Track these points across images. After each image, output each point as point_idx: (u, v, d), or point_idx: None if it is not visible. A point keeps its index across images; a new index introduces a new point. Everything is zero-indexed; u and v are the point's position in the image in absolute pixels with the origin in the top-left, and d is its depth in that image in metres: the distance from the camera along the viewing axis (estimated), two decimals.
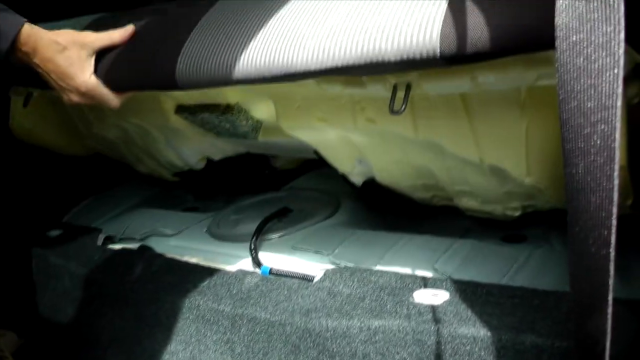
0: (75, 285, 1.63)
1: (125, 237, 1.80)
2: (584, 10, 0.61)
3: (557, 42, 0.64)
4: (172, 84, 1.28)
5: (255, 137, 1.57)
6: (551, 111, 1.09)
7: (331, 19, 1.11)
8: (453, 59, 0.97)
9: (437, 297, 1.19)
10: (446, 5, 0.99)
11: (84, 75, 1.35)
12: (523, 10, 0.91)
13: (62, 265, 1.68)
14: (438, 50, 0.97)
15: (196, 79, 1.24)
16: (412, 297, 1.21)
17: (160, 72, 1.29)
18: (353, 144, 1.44)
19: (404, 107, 1.13)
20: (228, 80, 1.20)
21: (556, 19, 0.64)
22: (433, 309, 1.15)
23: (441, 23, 0.97)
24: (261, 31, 1.18)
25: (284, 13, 1.19)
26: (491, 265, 1.30)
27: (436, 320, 1.12)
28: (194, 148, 1.81)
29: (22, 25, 1.27)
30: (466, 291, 1.19)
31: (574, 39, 0.62)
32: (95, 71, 1.38)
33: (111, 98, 1.39)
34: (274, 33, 1.16)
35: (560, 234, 1.38)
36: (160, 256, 1.58)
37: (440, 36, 0.97)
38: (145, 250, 1.62)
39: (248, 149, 1.80)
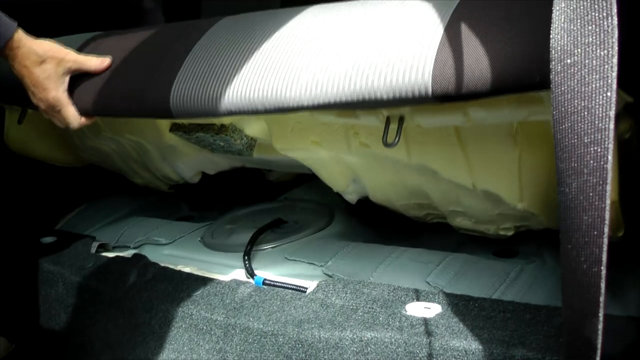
0: (68, 292, 1.63)
1: (118, 245, 1.80)
2: (579, 34, 0.63)
3: (552, 64, 0.65)
4: (167, 114, 1.29)
5: (249, 154, 1.58)
6: (543, 141, 1.11)
7: (325, 52, 1.12)
8: (445, 98, 0.98)
9: (429, 310, 1.20)
10: (438, 41, 1.00)
11: (57, 90, 1.39)
12: (515, 49, 0.93)
13: (56, 272, 1.68)
14: (430, 90, 0.98)
15: (190, 109, 1.25)
16: (405, 310, 1.22)
17: (154, 102, 1.31)
18: (347, 165, 1.45)
19: (397, 139, 1.14)
20: (222, 112, 1.22)
21: (551, 42, 0.65)
22: (425, 321, 1.16)
23: (433, 61, 0.99)
24: (254, 62, 1.19)
25: (278, 42, 1.20)
26: (483, 280, 1.31)
27: (428, 333, 1.13)
28: (189, 163, 1.81)
29: (15, 30, 1.30)
30: (458, 305, 1.20)
31: (569, 61, 0.63)
32: (76, 92, 1.41)
33: (73, 120, 1.43)
34: (267, 65, 1.17)
35: (552, 250, 1.39)
36: (154, 265, 1.59)
37: (432, 75, 0.98)
38: (139, 258, 1.62)
39: (243, 163, 1.81)
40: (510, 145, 1.19)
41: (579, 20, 0.63)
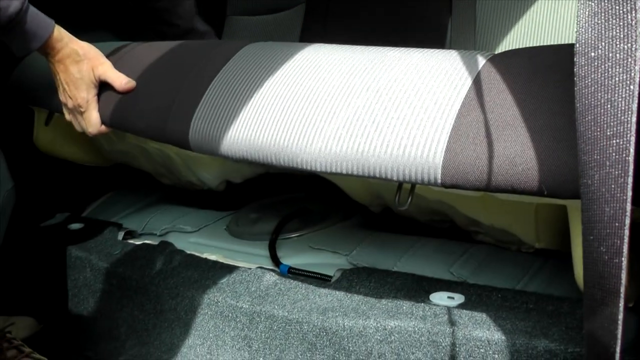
0: (96, 278, 1.65)
1: (145, 232, 1.82)
2: (603, 28, 0.63)
3: (577, 57, 0.66)
4: (187, 147, 1.32)
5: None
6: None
7: (339, 116, 1.12)
8: (454, 187, 0.99)
9: (452, 299, 1.21)
10: (451, 127, 1.00)
11: (88, 92, 1.42)
12: (528, 151, 0.93)
13: (84, 258, 1.70)
14: (439, 179, 0.99)
15: (207, 149, 1.27)
16: (428, 299, 1.23)
17: (174, 133, 1.33)
18: (369, 186, 1.46)
19: (409, 201, 1.14)
20: (237, 158, 1.23)
21: (576, 35, 0.65)
22: (449, 311, 1.17)
23: (444, 151, 0.99)
24: (273, 112, 1.19)
25: (296, 91, 1.20)
26: (506, 271, 1.32)
27: (451, 323, 1.13)
28: (213, 173, 1.82)
29: (53, 29, 1.32)
30: (481, 295, 1.21)
31: (593, 54, 0.64)
32: (102, 101, 1.44)
33: (94, 125, 1.46)
34: (284, 118, 1.17)
35: None
36: (180, 252, 1.60)
37: (442, 165, 0.98)
38: (165, 245, 1.64)
39: (267, 170, 1.82)
40: (527, 200, 1.19)
41: (603, 14, 0.63)
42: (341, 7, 2.15)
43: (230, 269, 1.48)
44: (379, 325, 1.19)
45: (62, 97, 1.44)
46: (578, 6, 0.68)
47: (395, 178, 1.04)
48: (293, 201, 1.85)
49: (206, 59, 1.39)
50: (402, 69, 1.13)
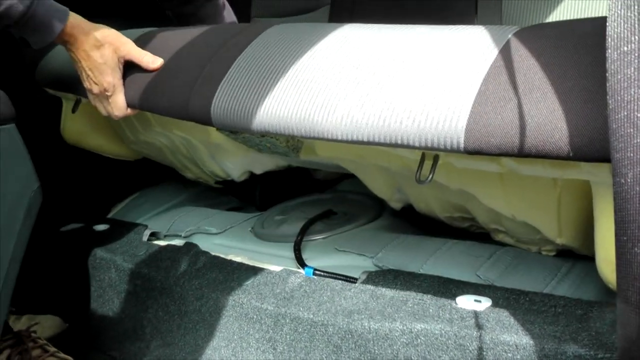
0: (121, 278, 1.66)
1: (170, 234, 1.83)
2: (636, 21, 0.61)
3: (608, 52, 0.64)
4: (209, 123, 1.32)
5: (296, 156, 1.59)
6: (584, 183, 1.08)
7: (363, 85, 1.12)
8: (477, 152, 0.98)
9: (480, 303, 1.19)
10: (476, 93, 0.99)
11: (113, 76, 1.42)
12: (554, 113, 0.91)
13: (109, 258, 1.71)
14: (462, 144, 0.98)
15: (229, 123, 1.28)
16: (455, 302, 1.21)
17: (196, 110, 1.33)
18: (391, 179, 1.45)
19: (430, 177, 1.13)
20: (259, 131, 1.24)
21: (608, 29, 0.64)
22: (476, 314, 1.15)
23: (468, 115, 0.98)
24: (294, 84, 1.20)
25: (320, 65, 1.21)
26: (534, 274, 1.30)
27: (478, 326, 1.12)
28: (236, 162, 1.82)
29: (68, 17, 1.33)
30: (509, 298, 1.19)
31: (625, 49, 0.62)
32: (125, 83, 1.45)
33: (120, 108, 1.46)
34: (306, 89, 1.18)
35: None
36: (205, 253, 1.60)
37: (466, 130, 0.97)
38: (190, 247, 1.64)
39: (290, 163, 1.81)
40: (550, 186, 1.18)
41: (635, 7, 0.62)
42: (366, 8, 2.14)
43: (255, 270, 1.48)
44: (405, 328, 1.17)
45: (86, 84, 1.44)
46: (610, 0, 0.66)
47: (417, 144, 1.03)
48: (318, 203, 1.84)
49: (231, 39, 1.40)
50: (429, 41, 1.13)
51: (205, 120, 1.32)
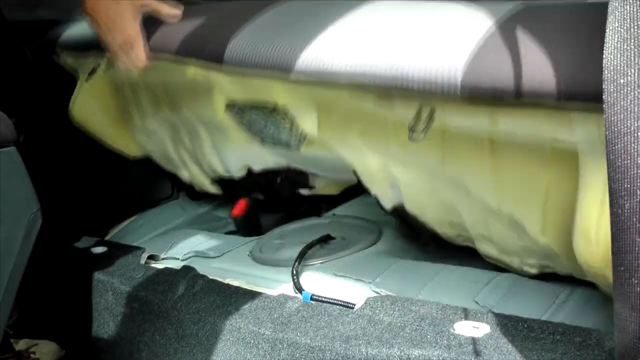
0: (118, 302, 1.65)
1: (168, 256, 1.82)
2: (633, 54, 0.62)
3: (605, 84, 0.65)
4: (219, 59, 1.39)
5: (297, 148, 1.59)
6: (573, 175, 1.09)
7: (373, 24, 1.19)
8: (473, 92, 1.01)
9: (478, 329, 1.19)
10: (481, 36, 1.04)
11: (134, 25, 1.48)
12: (550, 60, 0.94)
13: (106, 281, 1.70)
14: (459, 82, 1.01)
15: (239, 60, 1.35)
16: (453, 328, 1.21)
17: (211, 46, 1.40)
18: (387, 168, 1.46)
19: (423, 134, 1.16)
20: (269, 65, 1.30)
21: (604, 61, 0.65)
22: (474, 341, 1.15)
23: (467, 57, 1.02)
24: (311, 28, 1.27)
25: (332, 15, 1.29)
26: (533, 300, 1.30)
27: (476, 353, 1.12)
28: (237, 154, 1.84)
29: None
30: (507, 325, 1.19)
31: (622, 81, 0.63)
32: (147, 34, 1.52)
33: (142, 58, 1.51)
34: (317, 27, 1.26)
35: None
36: (203, 277, 1.60)
37: (464, 71, 1.01)
38: (188, 270, 1.64)
39: (289, 161, 1.82)
40: (540, 172, 1.18)
41: (632, 40, 0.62)
42: None
43: (252, 295, 1.48)
44: (402, 354, 1.17)
45: (108, 37, 1.49)
46: (606, 32, 0.67)
47: (416, 77, 1.07)
48: (316, 227, 1.84)
49: (258, 4, 1.48)
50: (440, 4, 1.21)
51: (217, 57, 1.38)
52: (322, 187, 2.01)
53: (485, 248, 1.45)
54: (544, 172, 1.18)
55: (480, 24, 1.08)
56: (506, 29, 1.04)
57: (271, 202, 2.02)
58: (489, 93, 0.99)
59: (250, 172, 1.90)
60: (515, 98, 0.98)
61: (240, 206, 2.01)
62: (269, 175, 1.90)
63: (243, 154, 1.83)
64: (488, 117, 1.13)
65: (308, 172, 1.89)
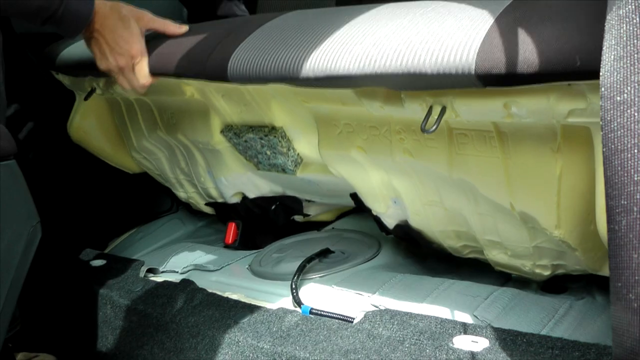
0: (116, 315, 1.65)
1: (167, 270, 1.83)
2: (629, 72, 0.62)
3: (602, 101, 0.65)
4: (224, 76, 1.38)
5: (293, 172, 1.59)
6: (584, 161, 1.09)
7: (380, 31, 1.18)
8: (487, 78, 1.01)
9: (477, 343, 1.19)
10: (489, 27, 1.03)
11: (140, 44, 1.49)
12: (561, 38, 0.94)
13: (105, 294, 1.70)
14: (473, 68, 1.01)
15: (243, 74, 1.34)
16: (452, 343, 1.21)
17: (214, 64, 1.40)
18: (389, 182, 1.46)
19: (435, 126, 1.16)
20: (274, 77, 1.29)
21: (601, 79, 0.65)
22: (472, 355, 1.15)
23: (480, 42, 1.02)
24: (314, 37, 1.27)
25: (338, 22, 1.28)
26: (532, 315, 1.30)
27: None
28: (231, 180, 1.84)
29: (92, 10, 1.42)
30: (506, 340, 1.19)
31: (619, 99, 0.63)
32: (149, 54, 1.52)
33: (145, 76, 1.51)
34: (323, 37, 1.25)
35: (602, 286, 1.37)
36: (202, 290, 1.60)
37: (478, 53, 1.01)
38: (187, 283, 1.64)
39: (285, 188, 1.82)
40: (551, 162, 1.18)
41: (628, 59, 0.63)
42: None
43: (251, 308, 1.48)
44: None
45: (111, 59, 1.49)
46: (603, 50, 0.67)
47: (430, 72, 1.06)
48: (316, 241, 1.84)
49: (257, 18, 1.50)
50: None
51: (221, 74, 1.38)
52: (317, 213, 2.01)
53: (494, 255, 1.44)
54: (554, 162, 1.18)
55: (487, 12, 1.08)
56: (511, 13, 1.05)
57: (265, 227, 2.03)
58: (503, 75, 0.99)
59: (244, 198, 1.91)
60: (529, 79, 0.98)
61: (231, 234, 2.03)
62: (263, 202, 1.91)
63: (238, 180, 1.83)
64: (502, 104, 1.12)
65: (303, 199, 1.90)
